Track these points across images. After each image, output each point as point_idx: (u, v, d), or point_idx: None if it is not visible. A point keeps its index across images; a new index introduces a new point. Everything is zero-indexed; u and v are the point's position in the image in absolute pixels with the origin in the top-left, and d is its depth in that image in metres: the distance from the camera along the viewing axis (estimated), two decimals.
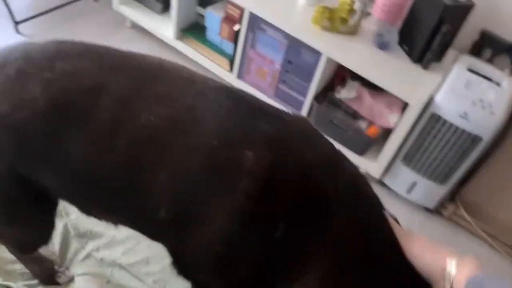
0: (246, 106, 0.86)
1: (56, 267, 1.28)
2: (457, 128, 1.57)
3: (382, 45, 1.71)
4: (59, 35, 2.44)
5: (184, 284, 0.95)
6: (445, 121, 1.58)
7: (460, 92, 1.56)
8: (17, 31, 2.20)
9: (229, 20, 1.95)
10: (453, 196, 1.86)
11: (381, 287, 0.82)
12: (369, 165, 1.85)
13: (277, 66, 1.89)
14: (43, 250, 1.23)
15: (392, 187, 1.88)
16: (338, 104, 1.86)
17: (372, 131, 1.78)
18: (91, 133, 0.81)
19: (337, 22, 1.70)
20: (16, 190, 0.90)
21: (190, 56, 2.17)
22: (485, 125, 1.54)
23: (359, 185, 0.86)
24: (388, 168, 1.83)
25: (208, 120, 0.81)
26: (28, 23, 2.23)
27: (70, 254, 1.35)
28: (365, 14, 1.69)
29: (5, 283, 1.22)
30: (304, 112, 1.91)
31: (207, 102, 0.83)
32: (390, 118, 1.74)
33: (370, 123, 1.81)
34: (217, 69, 2.11)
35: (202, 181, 0.79)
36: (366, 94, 1.80)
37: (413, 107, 1.59)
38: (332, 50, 1.68)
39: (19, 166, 0.86)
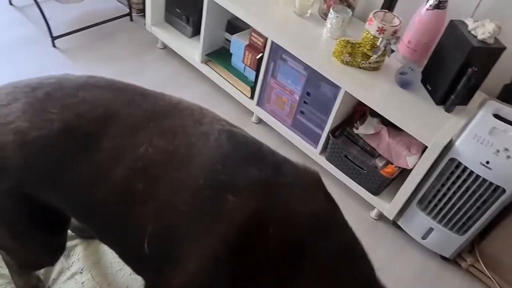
0: (243, 150, 0.87)
1: (40, 284, 1.29)
2: (477, 176, 1.48)
3: (405, 84, 1.66)
4: (93, 52, 2.56)
5: None
6: (464, 168, 1.49)
7: (484, 139, 1.48)
8: (53, 45, 2.29)
9: (253, 48, 1.96)
10: (472, 247, 1.75)
11: None
12: (383, 206, 1.77)
13: (296, 96, 1.87)
14: None
15: (407, 230, 1.79)
16: (355, 140, 1.81)
17: (388, 171, 1.72)
18: (95, 157, 0.83)
19: (358, 57, 1.66)
20: (23, 207, 0.91)
21: (214, 80, 2.19)
22: (509, 176, 1.44)
23: (348, 255, 0.81)
24: (403, 210, 1.74)
25: (201, 159, 0.82)
26: (64, 38, 2.32)
27: (54, 273, 1.35)
28: (389, 51, 1.64)
29: None
30: (320, 145, 1.87)
31: (206, 142, 0.85)
32: (408, 160, 1.67)
33: (387, 162, 1.75)
34: (238, 95, 2.11)
35: (183, 219, 0.78)
36: (385, 132, 1.74)
37: (431, 150, 1.52)
38: (351, 85, 1.64)
39: (27, 183, 0.87)
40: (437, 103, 1.62)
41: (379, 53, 1.63)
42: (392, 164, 1.73)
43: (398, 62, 1.74)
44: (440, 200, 1.61)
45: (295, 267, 0.76)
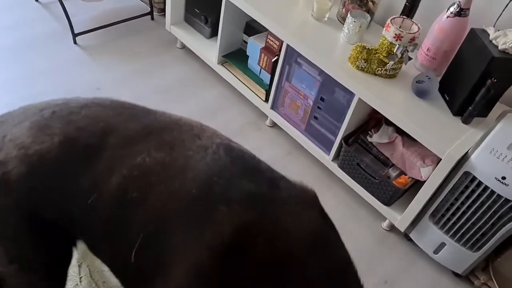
0: (240, 164, 0.86)
1: None
2: (492, 191, 1.42)
3: (421, 93, 1.61)
4: (113, 49, 2.58)
5: None
6: (479, 182, 1.44)
7: (501, 153, 1.41)
8: (75, 42, 2.33)
9: (269, 50, 1.94)
10: (486, 265, 1.68)
11: None
12: (394, 217, 1.73)
13: (310, 101, 1.84)
14: None
15: (418, 243, 1.74)
16: (368, 148, 1.76)
17: (401, 182, 1.67)
18: (93, 167, 0.84)
19: (374, 63, 1.62)
20: (24, 225, 0.88)
21: (230, 81, 2.18)
22: None
23: (338, 276, 0.78)
24: (415, 223, 1.69)
25: (197, 170, 0.81)
26: (85, 35, 2.36)
27: None
28: (406, 58, 1.60)
29: None
30: (332, 152, 1.84)
31: (204, 155, 0.84)
32: (422, 171, 1.62)
33: (401, 172, 1.70)
34: (253, 98, 2.10)
35: (173, 229, 0.78)
36: (399, 141, 1.69)
37: (445, 162, 1.47)
38: (366, 92, 1.60)
39: (29, 197, 0.87)
40: (454, 114, 1.57)
41: (396, 60, 1.59)
42: (405, 174, 1.68)
43: (415, 70, 1.70)
44: (453, 214, 1.56)
45: (282, 283, 0.74)
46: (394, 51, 1.57)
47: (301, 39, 1.75)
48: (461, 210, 1.53)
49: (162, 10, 2.65)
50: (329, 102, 1.77)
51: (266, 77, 2.01)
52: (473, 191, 1.47)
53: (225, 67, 2.18)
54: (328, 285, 0.76)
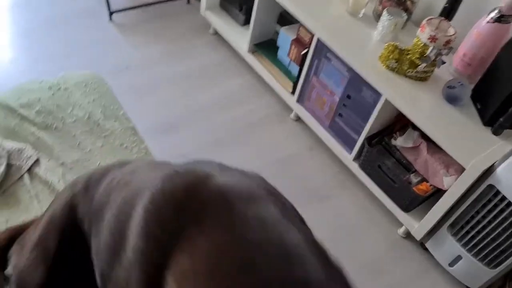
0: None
1: None
2: None
3: (452, 99, 1.54)
4: (147, 29, 2.60)
5: None
6: (503, 197, 1.37)
7: None
8: (110, 19, 2.36)
9: (299, 43, 1.91)
10: (503, 283, 1.61)
11: None
12: (411, 224, 1.68)
13: (336, 98, 1.80)
14: None
15: (433, 254, 1.68)
16: (391, 151, 1.71)
17: (422, 189, 1.62)
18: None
19: (405, 64, 1.57)
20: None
21: (258, 71, 2.16)
22: None
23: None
24: (432, 233, 1.64)
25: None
26: (121, 13, 2.39)
27: None
28: (440, 61, 1.53)
29: None
30: (354, 151, 1.80)
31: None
32: (445, 180, 1.56)
33: (423, 179, 1.65)
34: (280, 89, 2.07)
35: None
36: (424, 147, 1.64)
37: (468, 173, 1.41)
38: (394, 93, 1.55)
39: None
40: (485, 124, 1.50)
41: (428, 62, 1.53)
42: (427, 182, 1.63)
43: (448, 75, 1.63)
44: (473, 227, 1.50)
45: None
46: (428, 53, 1.51)
47: (333, 34, 1.71)
48: (482, 224, 1.47)
49: None
50: (356, 100, 1.73)
51: (294, 69, 1.99)
52: (495, 205, 1.41)
53: (255, 56, 2.16)
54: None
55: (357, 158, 1.82)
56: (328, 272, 0.52)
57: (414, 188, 1.62)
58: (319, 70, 1.83)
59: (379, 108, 1.62)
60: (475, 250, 1.52)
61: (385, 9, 1.68)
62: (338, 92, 1.79)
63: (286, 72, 2.04)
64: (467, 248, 1.54)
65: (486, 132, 1.49)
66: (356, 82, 1.69)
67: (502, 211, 1.40)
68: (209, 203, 0.58)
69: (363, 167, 1.79)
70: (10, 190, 1.05)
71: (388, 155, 1.73)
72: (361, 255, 1.71)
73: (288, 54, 1.98)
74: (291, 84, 2.01)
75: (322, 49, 1.77)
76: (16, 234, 0.92)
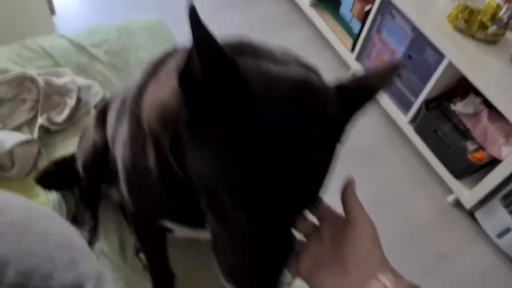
0: None
1: None
2: None
3: None
4: None
5: None
6: None
7: None
8: None
9: None
10: None
11: None
12: (462, 192, 1.64)
13: (397, 58, 1.75)
14: None
15: (482, 224, 1.65)
16: (449, 116, 1.66)
17: (477, 157, 1.57)
18: None
19: (474, 25, 1.49)
20: None
21: (318, 26, 2.13)
22: None
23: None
24: (483, 203, 1.60)
25: None
26: None
27: None
28: None
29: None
30: (410, 114, 1.76)
31: None
32: (503, 149, 1.51)
33: (479, 147, 1.59)
34: (339, 46, 2.04)
35: None
36: (485, 114, 1.57)
37: None
38: (458, 55, 1.49)
39: None
40: None
41: (500, 25, 1.44)
42: (483, 150, 1.58)
43: None
44: None
45: None
46: (500, 15, 1.43)
47: None
48: None
49: None
50: (417, 61, 1.68)
51: (356, 26, 1.94)
52: None
53: (316, 10, 2.12)
54: None
55: (412, 121, 1.78)
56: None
57: (469, 156, 1.58)
58: (381, 28, 1.78)
59: (441, 70, 1.56)
60: None
61: None
62: (399, 52, 1.74)
63: (347, 28, 1.99)
64: None
65: None
66: (419, 42, 1.63)
67: None
68: None
69: (418, 130, 1.76)
70: (79, 121, 1.14)
71: (446, 120, 1.68)
72: (407, 219, 1.70)
73: (351, 10, 1.93)
74: (351, 41, 1.97)
75: (387, 6, 1.71)
76: None
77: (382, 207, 1.70)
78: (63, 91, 1.15)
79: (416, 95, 1.72)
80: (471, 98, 1.62)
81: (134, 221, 0.80)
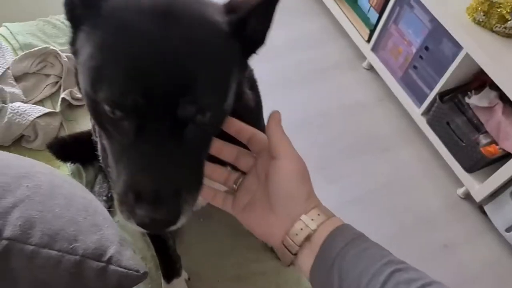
0: None
1: None
2: None
3: None
4: None
5: None
6: None
7: None
8: None
9: None
10: None
11: None
12: (472, 185, 1.65)
13: (413, 49, 1.75)
14: None
15: (491, 218, 1.66)
16: (463, 109, 1.67)
17: (490, 151, 1.58)
18: None
19: (494, 18, 1.48)
20: None
21: (336, 15, 2.13)
22: None
23: None
24: (493, 196, 1.61)
25: None
26: None
27: None
28: None
29: None
30: (424, 105, 1.76)
31: None
32: None
33: (492, 141, 1.60)
34: (355, 36, 2.04)
35: None
36: (499, 108, 1.57)
37: None
38: (476, 48, 1.49)
39: None
40: None
41: None
42: (496, 144, 1.58)
43: None
44: None
45: None
46: None
47: None
48: None
49: None
50: (433, 53, 1.68)
51: (373, 16, 1.94)
52: None
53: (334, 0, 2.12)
54: None
55: (426, 113, 1.79)
56: None
57: (481, 149, 1.58)
58: (399, 18, 1.78)
59: (457, 62, 1.56)
60: None
61: None
62: (416, 43, 1.74)
63: (365, 18, 1.99)
64: None
65: None
66: (437, 33, 1.63)
67: None
68: None
69: (430, 122, 1.76)
70: None
71: (459, 113, 1.68)
72: (416, 210, 1.71)
73: (369, 0, 1.93)
74: (367, 32, 1.97)
75: None
76: None
77: (392, 196, 1.71)
78: None
79: (431, 87, 1.72)
80: (487, 92, 1.62)
81: None
